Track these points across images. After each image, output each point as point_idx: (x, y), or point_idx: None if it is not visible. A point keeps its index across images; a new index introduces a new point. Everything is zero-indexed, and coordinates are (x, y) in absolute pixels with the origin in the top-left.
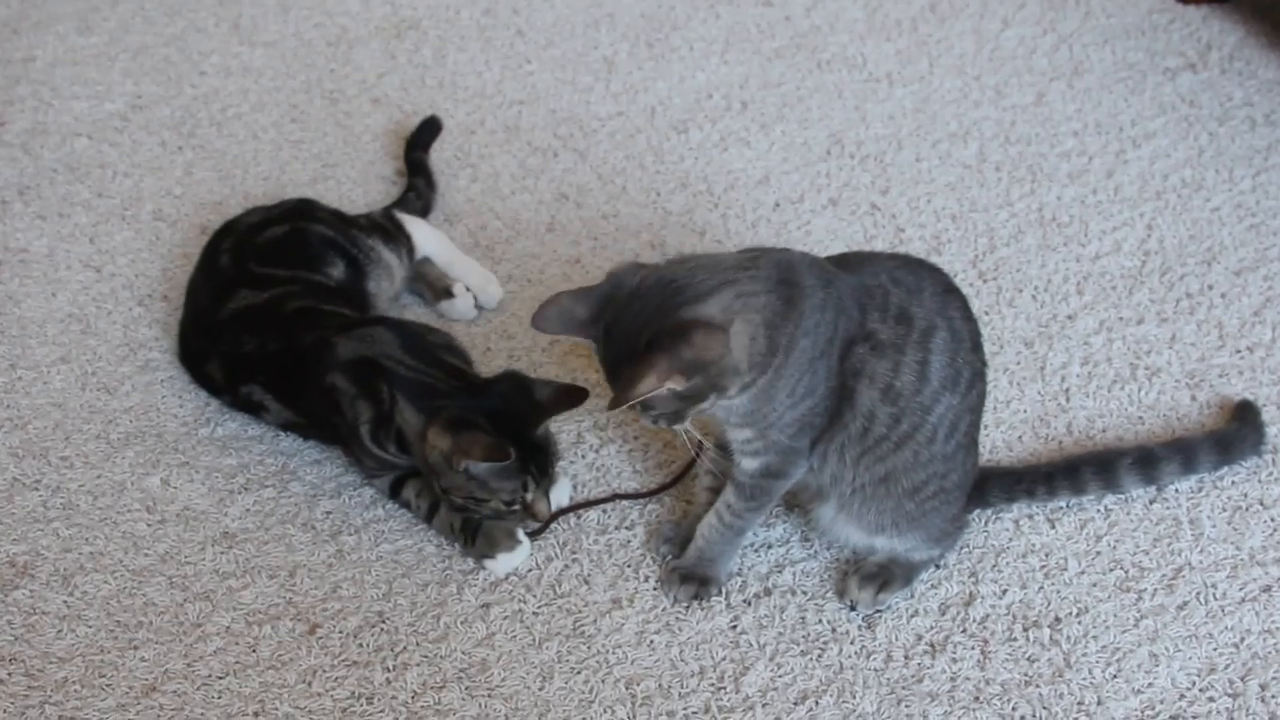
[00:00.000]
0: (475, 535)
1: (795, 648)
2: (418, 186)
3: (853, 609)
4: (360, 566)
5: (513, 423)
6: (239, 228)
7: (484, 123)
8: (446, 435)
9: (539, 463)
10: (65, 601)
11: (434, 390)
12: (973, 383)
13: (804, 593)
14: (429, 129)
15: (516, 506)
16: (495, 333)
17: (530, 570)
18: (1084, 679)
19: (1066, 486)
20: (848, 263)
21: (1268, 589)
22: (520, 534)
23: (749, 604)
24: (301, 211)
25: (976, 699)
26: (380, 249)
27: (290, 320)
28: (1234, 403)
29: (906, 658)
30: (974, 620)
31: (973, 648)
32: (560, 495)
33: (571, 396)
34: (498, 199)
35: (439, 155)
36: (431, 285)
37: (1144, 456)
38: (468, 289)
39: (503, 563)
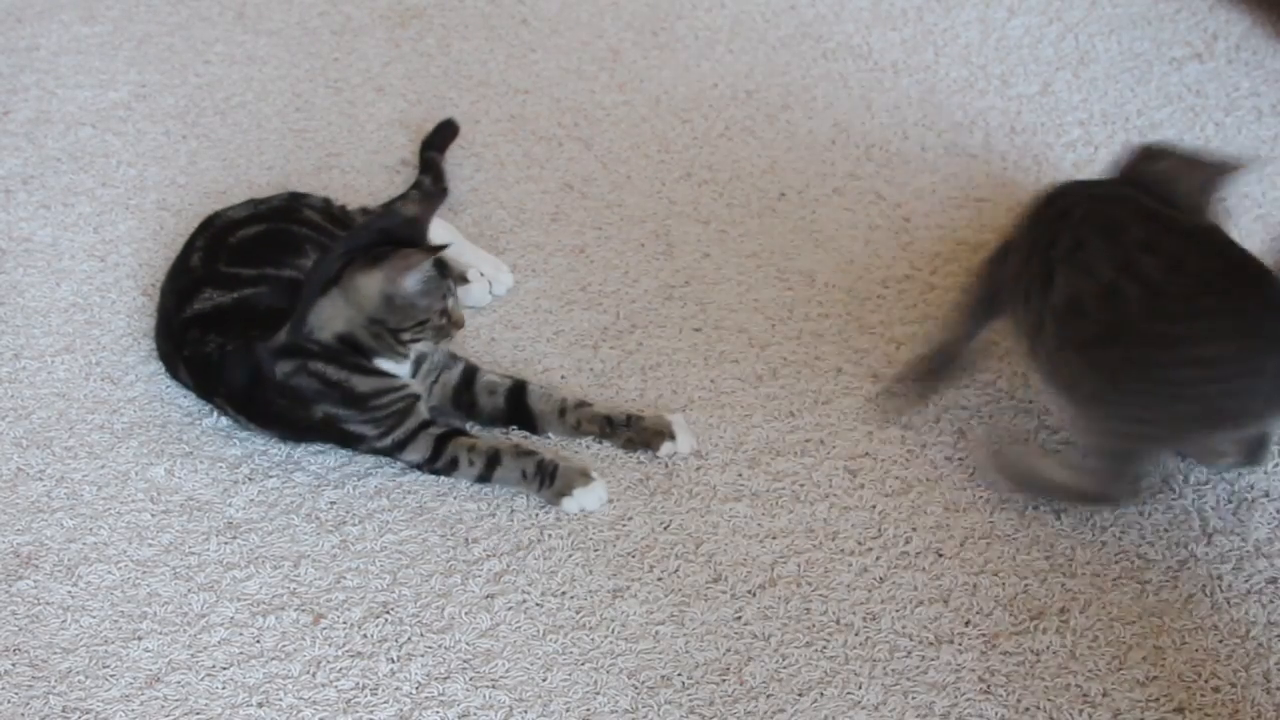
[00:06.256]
0: (553, 476)
1: (799, 639)
2: (423, 184)
3: None
4: (365, 557)
5: (405, 242)
6: (217, 223)
7: (488, 112)
8: (375, 270)
9: (445, 268)
10: (69, 592)
11: (323, 269)
12: None
13: (808, 583)
14: (445, 131)
15: (444, 320)
16: (500, 323)
17: (532, 561)
18: (1089, 669)
19: None
20: None
21: (1273, 581)
22: (593, 473)
23: (753, 594)
24: (285, 210)
25: (984, 690)
26: None
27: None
28: None
29: (911, 649)
30: (979, 611)
31: (977, 638)
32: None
33: (436, 198)
34: (502, 188)
35: None
36: None
37: None
38: (481, 274)
39: (580, 499)
